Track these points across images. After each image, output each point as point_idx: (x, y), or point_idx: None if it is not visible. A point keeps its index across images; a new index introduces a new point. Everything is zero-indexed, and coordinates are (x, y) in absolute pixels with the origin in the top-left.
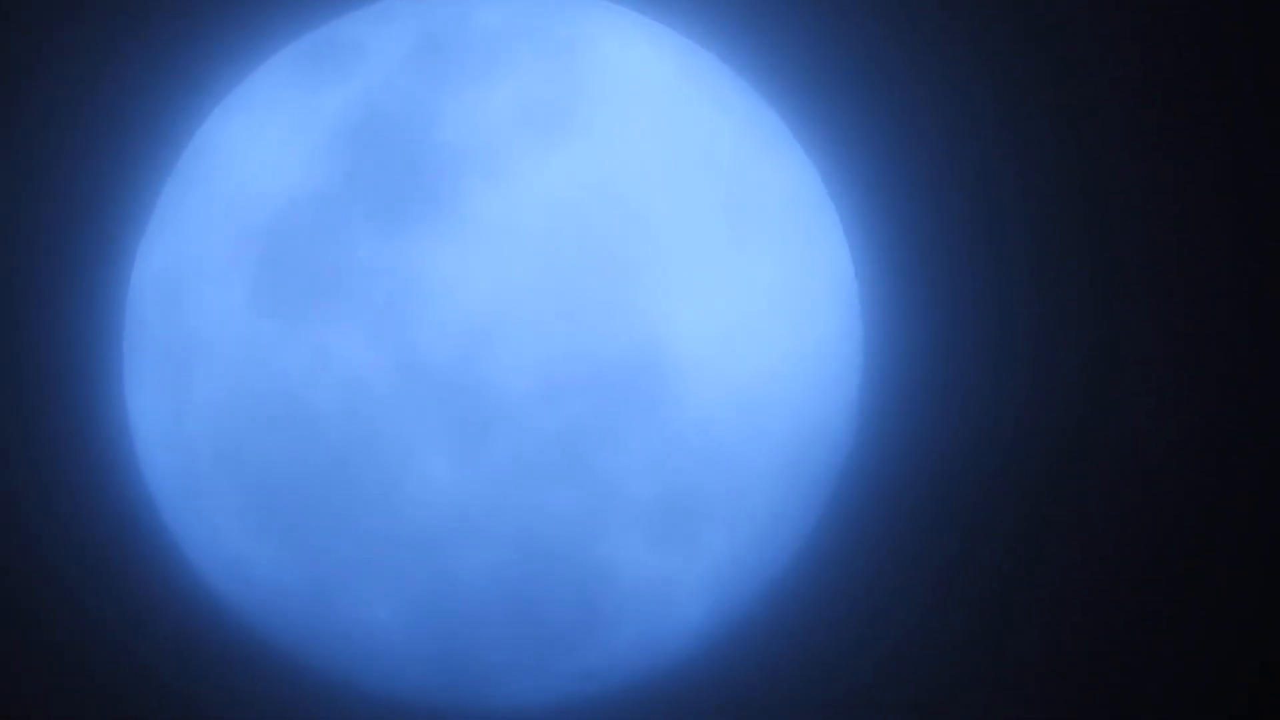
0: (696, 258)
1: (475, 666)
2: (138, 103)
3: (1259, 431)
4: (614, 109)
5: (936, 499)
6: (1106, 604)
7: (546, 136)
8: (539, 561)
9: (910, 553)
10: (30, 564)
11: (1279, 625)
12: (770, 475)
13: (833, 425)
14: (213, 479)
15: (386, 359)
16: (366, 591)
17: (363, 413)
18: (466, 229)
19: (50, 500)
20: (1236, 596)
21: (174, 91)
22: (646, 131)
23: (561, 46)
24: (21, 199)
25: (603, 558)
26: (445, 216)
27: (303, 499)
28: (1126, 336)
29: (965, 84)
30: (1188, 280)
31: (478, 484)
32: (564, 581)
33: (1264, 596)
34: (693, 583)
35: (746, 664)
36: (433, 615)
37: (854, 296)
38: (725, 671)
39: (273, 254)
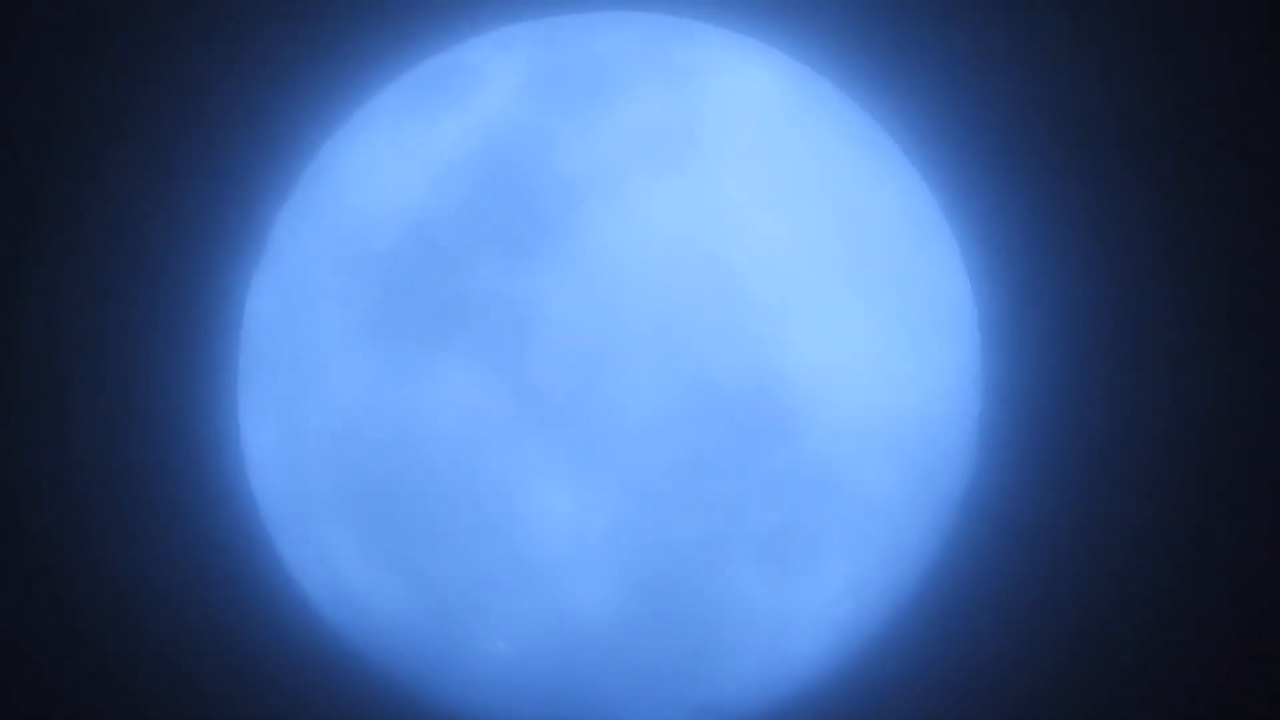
0: (815, 286)
1: (593, 699)
2: (254, 130)
3: None
4: (732, 136)
5: (1060, 528)
6: (1248, 637)
7: (664, 164)
8: (658, 593)
9: (1034, 583)
10: (141, 597)
11: None
12: (891, 505)
13: (954, 454)
14: (329, 510)
15: (504, 388)
16: (485, 624)
17: (480, 443)
18: (584, 257)
19: (164, 531)
20: None
21: (291, 119)
22: (764, 159)
23: (679, 74)
24: (138, 228)
25: (722, 589)
26: (563, 245)
27: (420, 530)
28: (1261, 359)
29: (1086, 103)
30: None
31: (596, 515)
32: (683, 613)
33: None
34: (813, 615)
35: (867, 698)
36: (551, 647)
37: (974, 323)
38: (846, 706)
39: (389, 282)
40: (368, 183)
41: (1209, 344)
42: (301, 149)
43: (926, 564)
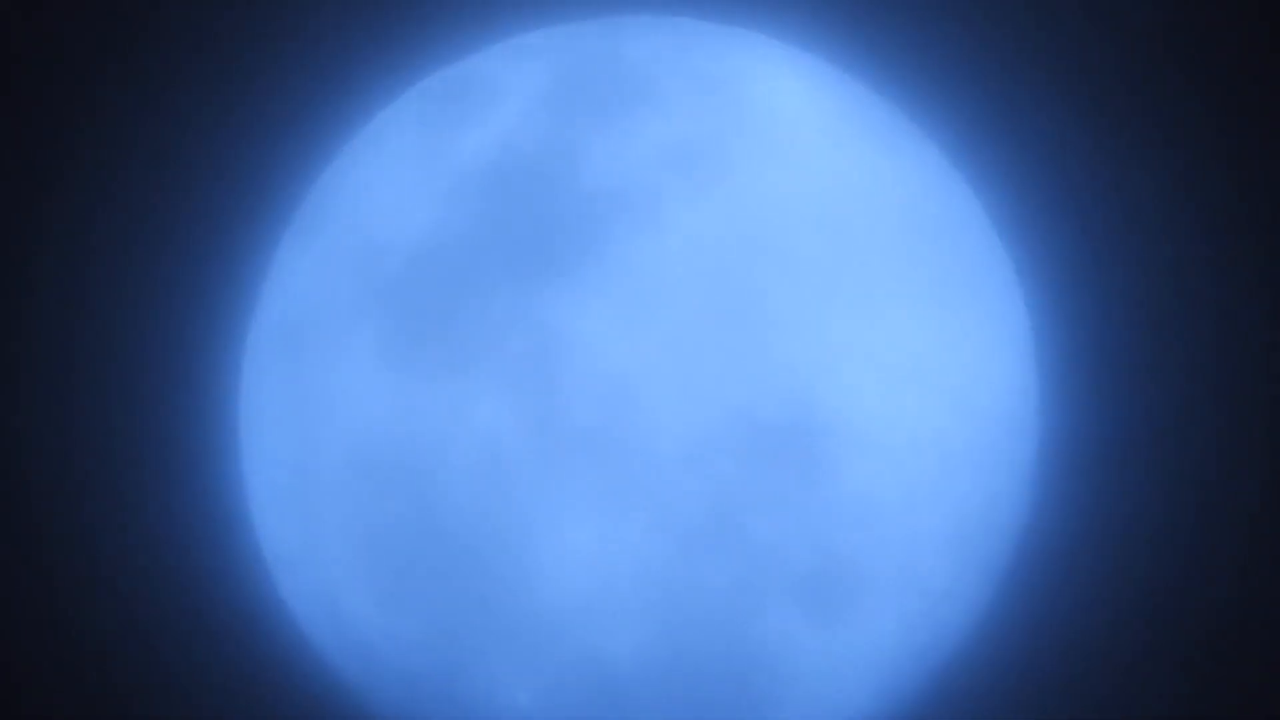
0: (859, 309)
1: None
2: (258, 143)
3: None
4: (769, 149)
5: (1123, 571)
6: None
7: (696, 179)
8: (689, 639)
9: (1095, 629)
10: (134, 643)
11: None
12: (941, 545)
13: (1009, 490)
14: (336, 549)
15: (525, 420)
16: (504, 673)
17: (500, 478)
18: (610, 279)
19: (158, 568)
20: None
21: (297, 132)
22: (804, 174)
23: (713, 82)
24: (135, 244)
25: (758, 635)
26: (588, 266)
27: (435, 572)
28: None
29: (1141, 102)
30: None
31: (623, 555)
32: (716, 661)
33: None
34: (857, 663)
35: None
36: (575, 699)
37: (1030, 342)
38: None
39: (403, 306)
40: (379, 200)
41: None
42: (308, 164)
43: (981, 607)
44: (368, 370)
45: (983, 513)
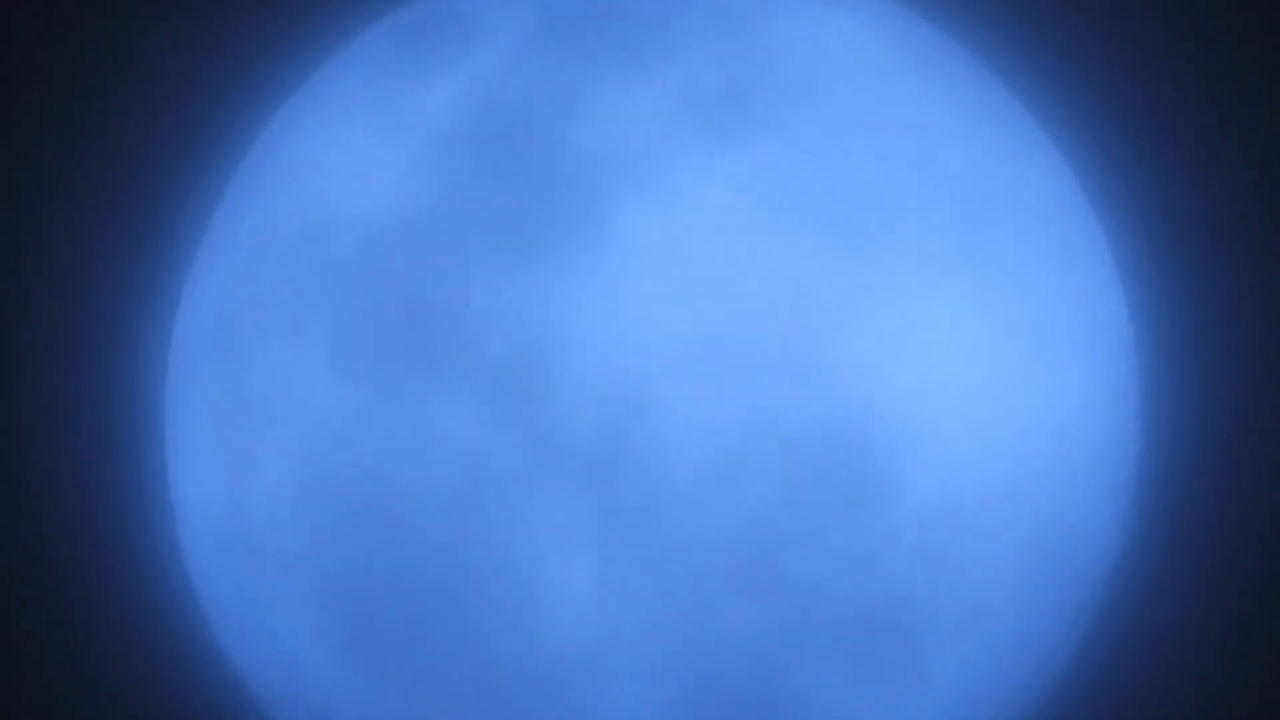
0: (919, 298)
1: None
2: (181, 100)
3: None
4: (805, 100)
5: (1235, 617)
6: None
7: (717, 137)
8: (708, 699)
9: (1199, 684)
10: (58, 694)
11: None
12: (1014, 583)
13: (1100, 517)
14: (282, 591)
15: (509, 433)
16: None
17: (478, 504)
18: (614, 260)
19: (75, 607)
20: None
21: (228, 85)
22: (849, 129)
23: (735, 19)
24: (33, 221)
25: (796, 693)
26: (586, 244)
27: (399, 617)
28: None
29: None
30: None
31: (630, 597)
32: None
33: None
34: None
35: None
36: None
37: (1129, 344)
38: None
39: (359, 296)
40: (329, 167)
41: None
42: (242, 125)
43: (1059, 665)
44: (317, 375)
45: (1068, 546)
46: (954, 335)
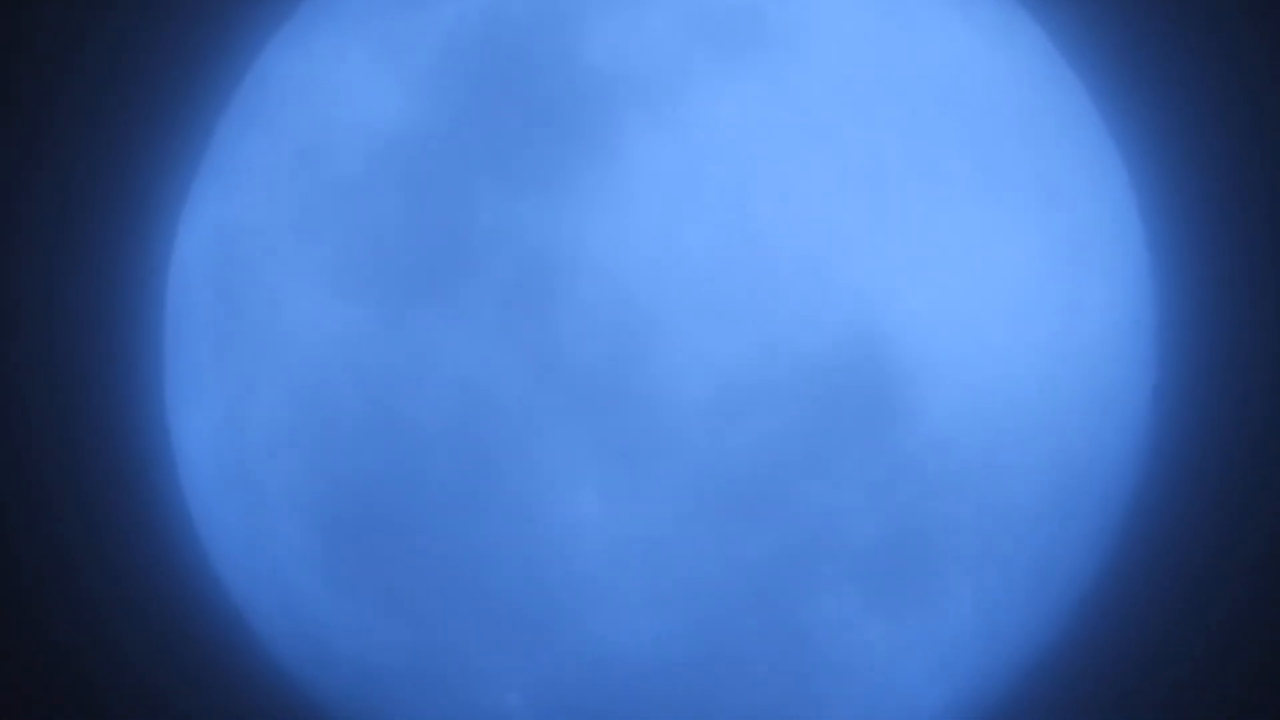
0: (935, 221)
1: None
2: (184, 17)
3: None
4: (821, 18)
5: (1251, 549)
6: None
7: (729, 56)
8: (722, 628)
9: (1215, 618)
10: (58, 633)
11: None
12: (1033, 513)
13: (1117, 446)
14: (283, 519)
15: (516, 358)
16: (490, 671)
17: (482, 431)
18: (623, 182)
19: (73, 533)
20: None
21: (231, 3)
22: (865, 48)
23: None
24: (34, 138)
25: (808, 622)
26: (595, 165)
27: (404, 547)
28: None
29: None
30: None
31: (639, 525)
32: (756, 654)
33: None
34: (927, 656)
35: None
36: (578, 703)
37: (1147, 275)
38: None
39: (363, 216)
40: (331, 85)
41: None
42: (242, 44)
43: (1079, 591)
44: (319, 299)
45: (1085, 475)
46: (971, 259)
